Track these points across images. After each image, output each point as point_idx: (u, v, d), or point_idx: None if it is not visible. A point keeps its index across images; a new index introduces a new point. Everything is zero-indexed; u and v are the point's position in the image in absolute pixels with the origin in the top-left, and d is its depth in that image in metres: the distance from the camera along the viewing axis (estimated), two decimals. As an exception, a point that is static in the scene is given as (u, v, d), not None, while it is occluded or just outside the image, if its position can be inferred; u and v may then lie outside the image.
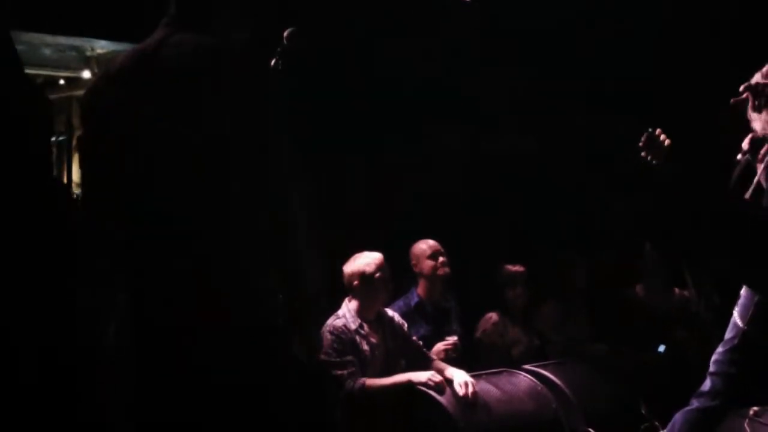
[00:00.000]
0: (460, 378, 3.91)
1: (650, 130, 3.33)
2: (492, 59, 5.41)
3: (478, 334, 4.93)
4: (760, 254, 3.17)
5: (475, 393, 3.87)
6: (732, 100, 3.23)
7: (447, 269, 4.62)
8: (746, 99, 3.23)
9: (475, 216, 5.61)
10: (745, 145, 3.28)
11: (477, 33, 5.38)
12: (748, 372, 3.29)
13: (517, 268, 5.02)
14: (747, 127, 3.28)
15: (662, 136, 3.33)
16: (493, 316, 4.94)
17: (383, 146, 5.34)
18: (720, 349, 3.37)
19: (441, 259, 4.62)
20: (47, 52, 5.19)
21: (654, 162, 3.32)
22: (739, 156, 3.34)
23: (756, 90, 3.22)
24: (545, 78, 5.40)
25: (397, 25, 5.13)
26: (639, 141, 3.34)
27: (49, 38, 4.97)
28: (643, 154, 3.34)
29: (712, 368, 3.38)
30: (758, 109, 3.23)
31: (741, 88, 3.22)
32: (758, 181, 3.23)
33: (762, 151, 3.24)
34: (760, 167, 3.23)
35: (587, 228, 5.76)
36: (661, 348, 4.87)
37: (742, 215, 3.21)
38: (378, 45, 5.11)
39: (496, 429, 3.84)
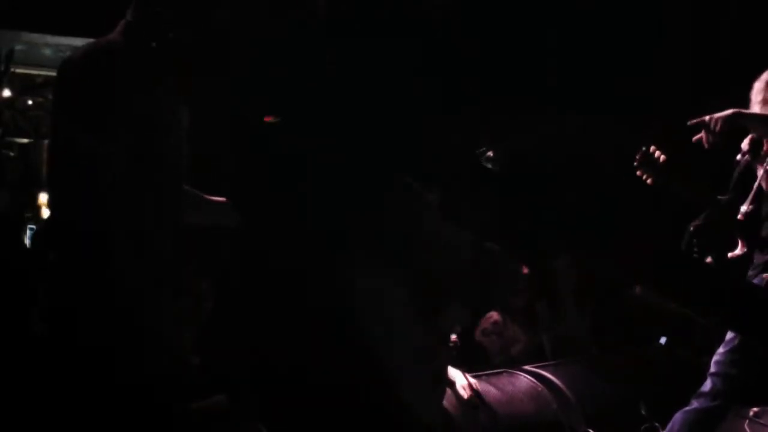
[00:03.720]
0: (463, 380, 3.90)
1: (644, 148, 3.37)
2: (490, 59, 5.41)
3: (478, 332, 4.94)
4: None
5: (478, 395, 3.86)
6: (693, 139, 3.20)
7: None
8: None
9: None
10: (744, 145, 3.28)
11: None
12: (749, 373, 3.30)
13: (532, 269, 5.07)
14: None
15: (657, 153, 3.36)
16: (493, 314, 4.95)
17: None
18: (720, 349, 3.37)
19: None
20: (47, 52, 5.19)
21: (650, 180, 3.37)
22: (738, 157, 3.34)
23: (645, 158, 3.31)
24: (546, 79, 5.40)
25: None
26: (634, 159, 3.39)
27: (49, 38, 4.97)
28: (638, 172, 3.39)
29: (712, 369, 3.38)
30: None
31: (692, 123, 3.16)
32: (759, 184, 3.24)
33: (763, 152, 3.25)
34: (761, 169, 3.24)
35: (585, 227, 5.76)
36: (663, 340, 4.87)
37: None
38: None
39: (496, 430, 3.84)
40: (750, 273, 3.31)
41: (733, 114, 3.05)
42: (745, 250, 3.29)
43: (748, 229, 3.27)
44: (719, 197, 3.39)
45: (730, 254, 3.30)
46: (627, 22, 5.35)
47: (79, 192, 2.25)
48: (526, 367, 4.31)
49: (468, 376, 3.95)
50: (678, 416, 3.43)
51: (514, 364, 4.49)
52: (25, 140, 5.32)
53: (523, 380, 4.18)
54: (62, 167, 2.30)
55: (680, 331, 5.02)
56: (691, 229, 3.38)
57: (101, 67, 2.26)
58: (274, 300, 3.49)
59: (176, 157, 2.45)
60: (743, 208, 3.24)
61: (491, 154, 3.44)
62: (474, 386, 3.87)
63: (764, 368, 3.27)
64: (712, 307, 3.05)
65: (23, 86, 5.43)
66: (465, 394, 3.83)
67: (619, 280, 5.41)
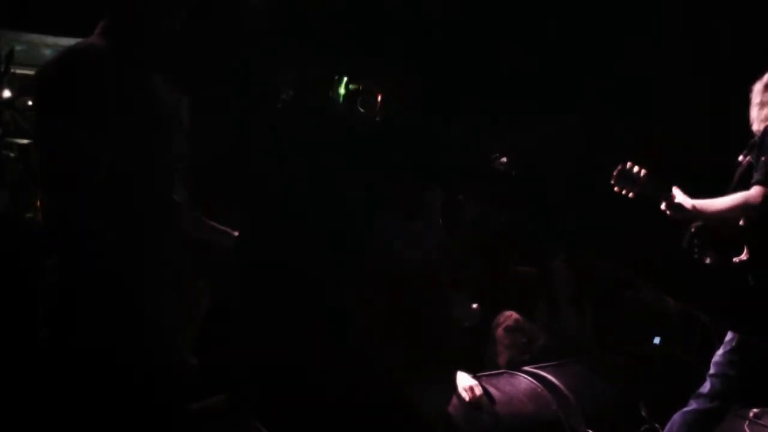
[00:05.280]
0: (465, 382, 3.90)
1: (621, 165, 3.36)
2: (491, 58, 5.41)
3: (500, 330, 4.83)
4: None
5: (481, 397, 3.86)
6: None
7: None
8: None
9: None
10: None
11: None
12: (747, 374, 3.30)
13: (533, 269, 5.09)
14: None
15: (635, 168, 3.34)
16: (513, 313, 4.87)
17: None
18: (719, 351, 3.38)
19: None
20: (47, 52, 5.18)
21: (632, 195, 3.36)
22: (740, 157, 3.34)
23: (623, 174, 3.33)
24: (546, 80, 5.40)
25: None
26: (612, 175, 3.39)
27: (49, 38, 4.96)
28: (616, 189, 3.37)
29: (711, 370, 3.38)
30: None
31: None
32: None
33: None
34: None
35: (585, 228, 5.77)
36: (656, 340, 4.88)
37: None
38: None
39: (497, 431, 3.84)
40: None
41: None
42: (749, 255, 3.28)
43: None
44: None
45: (735, 259, 3.29)
46: (627, 22, 5.35)
47: (72, 192, 2.23)
48: (526, 368, 4.31)
49: (471, 377, 3.95)
50: (677, 417, 3.43)
51: (519, 364, 4.47)
52: (25, 140, 5.31)
53: (522, 381, 4.18)
54: (53, 168, 2.27)
55: (680, 331, 5.03)
56: (692, 229, 3.38)
57: (82, 65, 2.25)
58: (274, 300, 3.50)
59: (172, 156, 2.44)
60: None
61: (505, 160, 3.44)
62: (479, 388, 3.87)
63: (763, 369, 3.28)
64: (712, 306, 3.06)
65: (23, 86, 5.42)
66: (467, 395, 3.82)
67: (618, 278, 5.42)
